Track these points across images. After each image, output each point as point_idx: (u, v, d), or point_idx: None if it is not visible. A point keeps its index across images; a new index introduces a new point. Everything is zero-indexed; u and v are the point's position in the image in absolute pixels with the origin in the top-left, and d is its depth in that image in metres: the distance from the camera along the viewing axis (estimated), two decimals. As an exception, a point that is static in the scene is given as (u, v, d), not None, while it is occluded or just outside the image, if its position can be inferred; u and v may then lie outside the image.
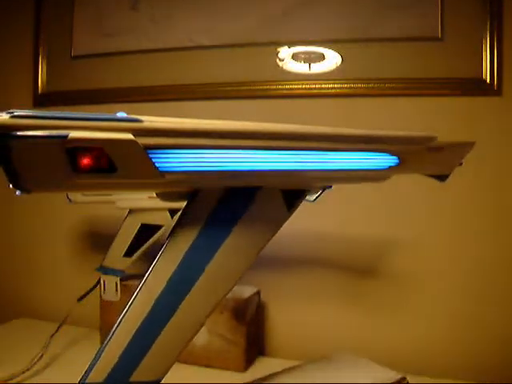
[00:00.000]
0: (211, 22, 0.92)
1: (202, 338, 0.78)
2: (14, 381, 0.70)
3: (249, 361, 0.80)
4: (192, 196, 0.38)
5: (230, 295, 0.40)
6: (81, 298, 0.82)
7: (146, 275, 0.37)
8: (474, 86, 0.79)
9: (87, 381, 0.35)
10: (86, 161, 0.30)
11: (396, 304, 0.82)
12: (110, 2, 0.98)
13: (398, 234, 0.83)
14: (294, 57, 0.87)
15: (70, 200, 0.76)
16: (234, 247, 0.39)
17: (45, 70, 1.03)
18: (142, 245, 0.78)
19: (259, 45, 0.89)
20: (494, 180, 0.79)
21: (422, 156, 0.46)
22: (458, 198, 0.79)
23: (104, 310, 0.83)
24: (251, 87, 0.90)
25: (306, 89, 0.87)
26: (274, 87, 0.88)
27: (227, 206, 0.39)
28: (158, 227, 0.77)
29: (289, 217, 0.41)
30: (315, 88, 0.87)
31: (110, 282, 0.80)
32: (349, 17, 0.85)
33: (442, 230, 0.81)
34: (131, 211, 0.78)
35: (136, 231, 0.78)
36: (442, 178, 0.50)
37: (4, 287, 1.06)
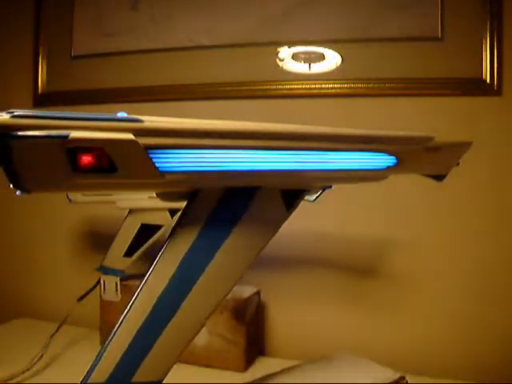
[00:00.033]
0: (211, 22, 0.92)
1: (202, 338, 0.78)
2: (13, 381, 0.70)
3: (249, 361, 0.80)
4: (192, 196, 0.38)
5: (229, 295, 0.40)
6: (81, 298, 0.82)
7: (147, 276, 0.37)
8: (473, 86, 0.79)
9: (89, 381, 0.36)
10: (86, 161, 0.30)
11: (396, 304, 0.82)
12: (110, 2, 0.98)
13: (398, 234, 0.83)
14: (294, 57, 0.88)
15: (70, 200, 0.76)
16: (233, 247, 0.39)
17: (45, 70, 1.03)
18: (142, 245, 0.78)
19: (259, 45, 0.89)
20: (494, 180, 0.79)
21: (420, 156, 0.46)
22: (457, 197, 0.80)
23: (104, 310, 0.83)
24: (251, 87, 0.90)
25: (305, 89, 0.87)
26: (274, 87, 0.88)
27: (227, 206, 0.39)
28: (158, 227, 0.77)
29: (288, 217, 0.41)
30: (315, 88, 0.87)
31: (110, 282, 0.80)
32: (349, 17, 0.85)
33: (441, 230, 0.81)
34: (131, 211, 0.78)
35: (136, 231, 0.78)
36: (439, 177, 0.51)
37: (4, 287, 1.06)
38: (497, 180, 0.79)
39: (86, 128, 0.30)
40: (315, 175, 0.42)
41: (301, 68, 0.88)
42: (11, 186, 0.29)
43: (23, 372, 0.72)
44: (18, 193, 0.30)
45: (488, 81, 0.78)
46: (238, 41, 0.90)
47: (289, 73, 0.88)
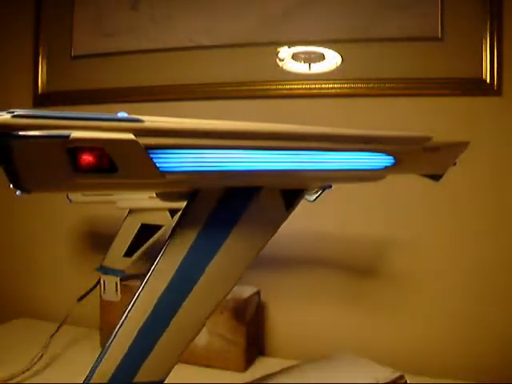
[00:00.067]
0: (211, 21, 0.92)
1: (202, 338, 0.78)
2: (13, 381, 0.70)
3: (249, 361, 0.80)
4: (192, 196, 0.38)
5: (229, 295, 0.40)
6: (81, 298, 0.82)
7: (147, 276, 0.37)
8: (474, 86, 0.79)
9: (91, 381, 0.36)
10: (87, 161, 0.30)
11: (396, 304, 0.82)
12: (110, 2, 0.98)
13: (398, 234, 0.83)
14: (294, 57, 0.88)
15: (70, 200, 0.77)
16: (234, 247, 0.39)
17: (45, 70, 1.03)
18: (142, 245, 0.78)
19: (259, 45, 0.89)
20: (494, 180, 0.79)
21: (418, 156, 0.46)
22: (457, 197, 0.80)
23: (104, 310, 0.83)
24: (251, 87, 0.90)
25: (306, 89, 0.87)
26: (274, 87, 0.88)
27: (227, 206, 0.39)
28: (158, 227, 0.77)
29: (287, 216, 0.42)
30: (315, 88, 0.87)
31: (110, 282, 0.80)
32: (349, 17, 0.85)
33: (441, 230, 0.81)
34: (131, 211, 0.78)
35: (136, 231, 0.78)
36: (436, 177, 0.51)
37: (4, 287, 1.06)
38: (497, 180, 0.79)
39: (86, 128, 0.30)
40: (313, 175, 0.42)
41: (301, 68, 0.88)
42: (11, 186, 0.29)
43: (23, 372, 0.72)
44: (18, 193, 0.30)
45: (488, 81, 0.78)
46: (238, 41, 0.90)
47: (289, 73, 0.88)
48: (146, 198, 0.74)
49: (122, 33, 0.97)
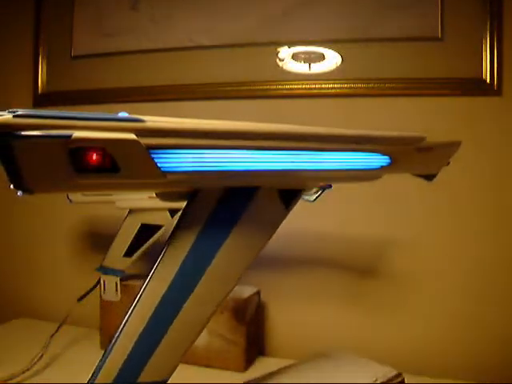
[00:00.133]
0: (211, 21, 0.92)
1: (202, 338, 0.78)
2: (13, 381, 0.70)
3: (249, 361, 0.80)
4: (192, 196, 0.38)
5: (229, 295, 0.40)
6: (81, 298, 0.82)
7: (148, 277, 0.37)
8: (473, 86, 0.79)
9: (96, 382, 0.36)
10: (89, 161, 0.30)
11: (396, 304, 0.82)
12: (110, 2, 0.98)
13: (398, 234, 0.83)
14: (294, 57, 0.88)
15: (70, 200, 0.77)
16: (234, 247, 0.39)
17: (45, 70, 1.03)
18: (142, 245, 0.78)
19: (259, 45, 0.89)
20: (494, 180, 0.79)
21: (413, 156, 0.46)
22: (457, 197, 0.80)
23: (104, 310, 0.83)
24: (251, 87, 0.90)
25: (306, 89, 0.87)
26: (274, 87, 0.89)
27: (227, 206, 0.39)
28: (158, 227, 0.77)
29: (286, 216, 0.42)
30: (315, 88, 0.87)
31: (110, 282, 0.80)
32: (349, 17, 0.85)
33: (441, 230, 0.81)
34: (131, 211, 0.78)
35: (136, 231, 0.78)
36: (429, 177, 0.51)
37: (4, 287, 1.05)
38: (497, 180, 0.79)
39: (88, 128, 0.30)
40: (310, 175, 0.42)
41: (301, 68, 0.88)
42: (12, 186, 0.29)
43: (23, 372, 0.72)
44: (19, 193, 0.29)
45: (488, 81, 0.78)
46: (238, 41, 0.90)
47: (289, 73, 0.88)
48: (145, 198, 0.74)
49: (121, 33, 0.97)
